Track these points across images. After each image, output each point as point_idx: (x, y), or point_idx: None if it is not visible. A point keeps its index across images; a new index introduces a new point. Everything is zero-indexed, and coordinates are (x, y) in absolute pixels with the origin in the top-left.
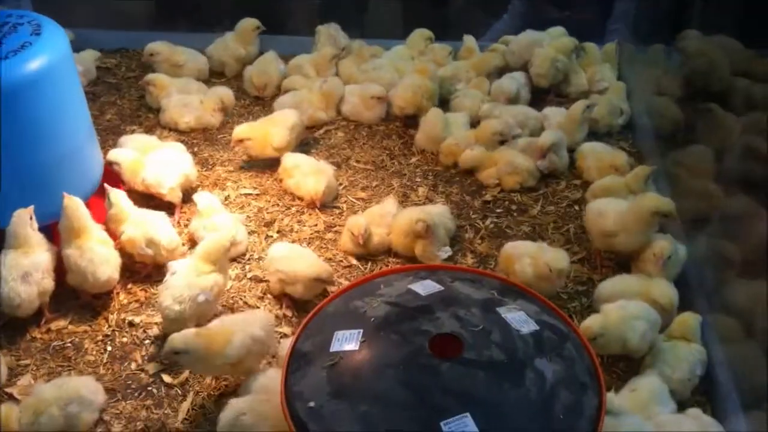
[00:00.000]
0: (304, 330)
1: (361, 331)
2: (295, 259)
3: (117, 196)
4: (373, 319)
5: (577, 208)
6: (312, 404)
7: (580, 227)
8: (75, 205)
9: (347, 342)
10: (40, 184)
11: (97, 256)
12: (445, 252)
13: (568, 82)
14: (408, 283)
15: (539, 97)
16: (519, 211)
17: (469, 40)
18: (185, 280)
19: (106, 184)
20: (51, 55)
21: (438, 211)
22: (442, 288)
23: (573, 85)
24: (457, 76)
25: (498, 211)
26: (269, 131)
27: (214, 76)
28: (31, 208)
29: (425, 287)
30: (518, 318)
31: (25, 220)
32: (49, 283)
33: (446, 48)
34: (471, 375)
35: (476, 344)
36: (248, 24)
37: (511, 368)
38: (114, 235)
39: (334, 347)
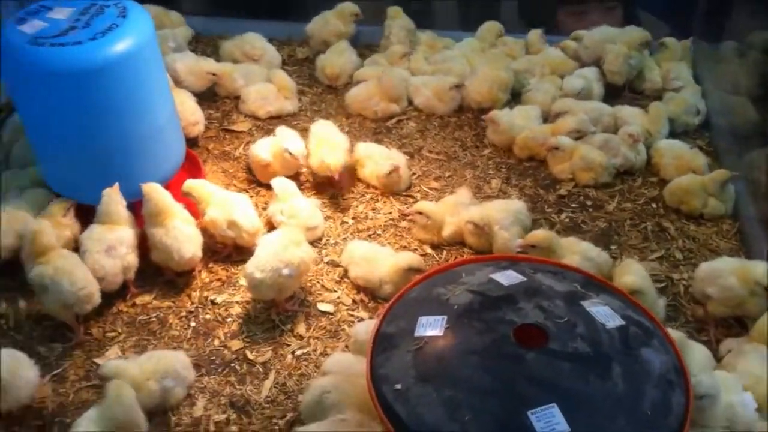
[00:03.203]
0: (388, 313)
1: (445, 317)
2: (376, 262)
3: (194, 183)
4: (456, 306)
5: (654, 205)
6: (398, 387)
7: (657, 225)
8: (154, 190)
9: (431, 327)
10: (125, 162)
11: (181, 235)
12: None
13: (642, 78)
14: (489, 273)
15: (613, 93)
16: (594, 206)
17: (534, 35)
18: (273, 251)
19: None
20: (137, 37)
21: (515, 208)
22: (525, 279)
23: (648, 82)
24: (530, 70)
25: (573, 205)
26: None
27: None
28: (117, 185)
29: (507, 277)
30: (603, 312)
31: (115, 198)
32: (133, 259)
33: (520, 41)
34: (557, 366)
35: (561, 336)
36: (348, 7)
37: (597, 361)
38: (197, 214)
39: (419, 332)
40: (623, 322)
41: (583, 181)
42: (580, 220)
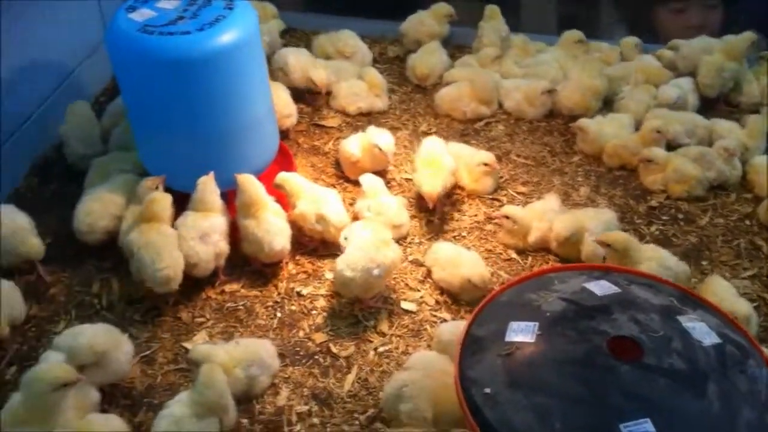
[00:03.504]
0: (477, 316)
1: (537, 324)
2: (459, 267)
3: (287, 176)
4: (548, 313)
5: (747, 222)
6: (488, 390)
7: (751, 242)
8: (249, 182)
9: (522, 333)
10: (222, 152)
11: (273, 227)
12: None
13: (738, 91)
14: (583, 282)
15: (708, 105)
16: (686, 220)
17: (628, 41)
18: (364, 250)
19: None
20: (242, 30)
21: (606, 218)
22: (619, 290)
23: (744, 95)
24: (624, 78)
25: (664, 218)
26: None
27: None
28: (212, 174)
29: (601, 287)
30: (700, 329)
31: (210, 187)
32: (224, 246)
33: (616, 48)
34: (651, 380)
35: (656, 350)
36: (443, 8)
37: (692, 379)
38: (287, 207)
39: (509, 337)
40: (720, 340)
41: (676, 193)
42: (671, 233)
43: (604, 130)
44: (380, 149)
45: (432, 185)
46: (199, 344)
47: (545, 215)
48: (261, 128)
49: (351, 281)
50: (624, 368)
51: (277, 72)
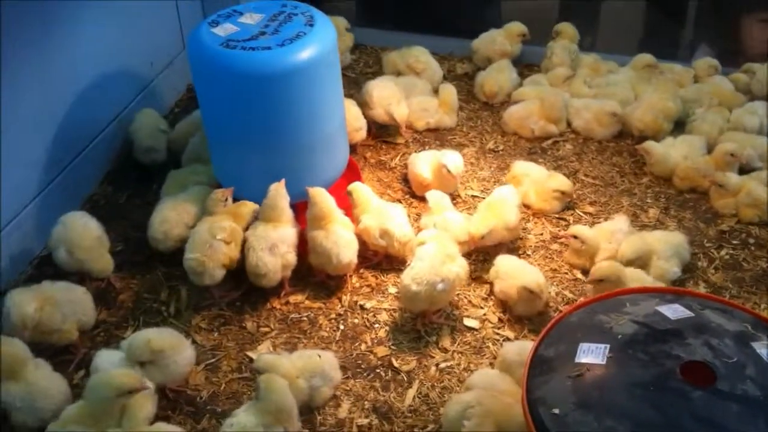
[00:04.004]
0: (546, 336)
1: (608, 346)
2: (521, 278)
3: (359, 186)
4: (620, 336)
5: None
6: (556, 411)
7: None
8: (320, 195)
9: (593, 355)
10: (295, 164)
11: (341, 239)
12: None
13: None
14: (655, 305)
15: None
16: (757, 245)
17: (703, 63)
18: (430, 264)
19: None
20: (322, 46)
21: (677, 241)
22: (692, 314)
23: None
24: (697, 100)
25: (734, 242)
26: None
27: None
28: (284, 181)
29: (674, 311)
30: None
31: (281, 193)
32: (292, 257)
33: (690, 70)
34: (724, 407)
35: (730, 376)
36: (516, 27)
37: (766, 405)
38: (353, 219)
39: (579, 358)
40: None
41: (747, 217)
42: (741, 258)
43: (670, 152)
44: (449, 171)
45: (477, 227)
46: (262, 354)
47: (614, 236)
48: (333, 142)
49: (416, 295)
50: (696, 393)
51: (360, 102)
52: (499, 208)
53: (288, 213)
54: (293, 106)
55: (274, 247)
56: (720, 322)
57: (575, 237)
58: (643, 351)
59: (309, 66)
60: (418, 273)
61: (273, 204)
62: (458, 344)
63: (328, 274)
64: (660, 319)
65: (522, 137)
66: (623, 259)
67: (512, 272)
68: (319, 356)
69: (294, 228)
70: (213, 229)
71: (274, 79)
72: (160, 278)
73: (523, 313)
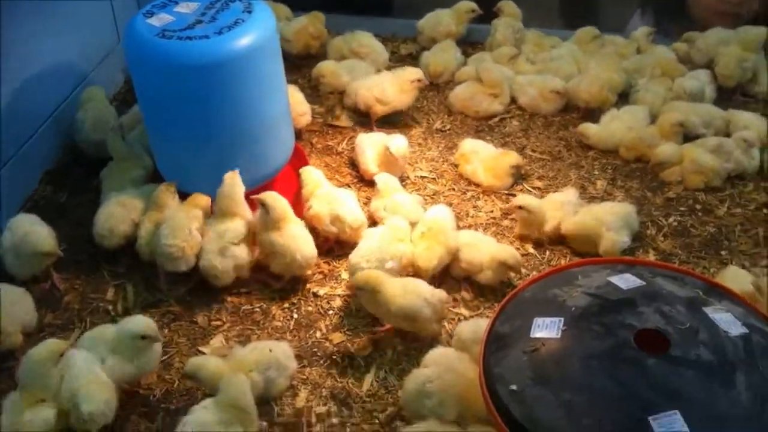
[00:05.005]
0: (500, 313)
1: (562, 319)
2: (479, 247)
3: (310, 168)
4: (573, 308)
5: (766, 211)
6: (514, 387)
7: None
8: (275, 199)
9: (548, 329)
10: (240, 154)
11: (299, 236)
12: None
13: (755, 81)
14: (606, 276)
15: (724, 96)
16: (704, 210)
17: (641, 33)
18: (379, 243)
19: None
20: (261, 33)
21: (625, 211)
22: (644, 283)
23: (761, 85)
24: (639, 70)
25: (681, 209)
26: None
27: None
28: (237, 171)
29: (626, 281)
30: (726, 319)
31: (238, 182)
32: (245, 254)
33: (632, 41)
34: (679, 373)
35: (683, 342)
36: (465, 5)
37: (721, 370)
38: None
39: (535, 333)
40: (746, 331)
41: (693, 184)
42: (689, 224)
43: (609, 127)
44: (391, 153)
45: (427, 259)
46: (192, 358)
47: (563, 207)
48: (278, 129)
49: None
50: (651, 361)
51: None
52: (440, 234)
53: (244, 204)
54: (234, 95)
55: (225, 249)
56: (671, 289)
57: (521, 207)
58: (596, 322)
59: (248, 53)
60: (366, 251)
61: (229, 193)
62: None
63: (294, 275)
64: (612, 290)
65: (468, 116)
66: (571, 234)
67: (472, 243)
68: (270, 350)
69: (250, 219)
70: (190, 219)
71: (212, 68)
72: (105, 277)
73: (488, 282)
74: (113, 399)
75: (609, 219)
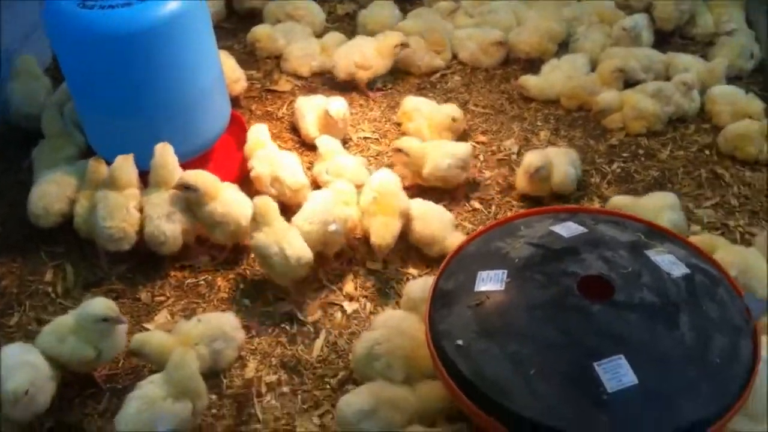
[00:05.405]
0: (445, 269)
1: (506, 271)
2: (432, 221)
3: (260, 127)
4: (516, 260)
5: (707, 152)
6: (460, 342)
7: (712, 172)
8: (199, 176)
9: (491, 282)
10: (174, 125)
11: (237, 202)
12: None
13: (693, 23)
14: (549, 225)
15: (662, 40)
16: (647, 155)
17: None
18: (323, 205)
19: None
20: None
21: (571, 156)
22: (586, 230)
23: (699, 27)
24: (578, 18)
25: (624, 155)
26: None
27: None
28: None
29: (568, 229)
30: (668, 261)
31: (170, 151)
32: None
33: None
34: (623, 317)
35: (626, 286)
36: None
37: (664, 311)
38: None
39: (479, 287)
40: (689, 271)
41: (635, 130)
42: (632, 169)
43: (549, 77)
44: (330, 115)
45: (383, 236)
46: (137, 335)
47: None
48: (211, 98)
49: (308, 235)
50: (595, 308)
51: None
52: (391, 199)
53: (179, 173)
54: (162, 64)
55: (172, 214)
56: (613, 235)
57: (399, 150)
58: (540, 272)
59: (174, 21)
60: (310, 213)
61: (162, 163)
62: (362, 288)
63: (238, 242)
64: (555, 239)
65: (410, 74)
66: (529, 170)
67: (428, 221)
68: (199, 320)
69: None
70: (126, 198)
71: (137, 37)
72: (42, 258)
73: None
74: (48, 385)
75: (558, 160)
